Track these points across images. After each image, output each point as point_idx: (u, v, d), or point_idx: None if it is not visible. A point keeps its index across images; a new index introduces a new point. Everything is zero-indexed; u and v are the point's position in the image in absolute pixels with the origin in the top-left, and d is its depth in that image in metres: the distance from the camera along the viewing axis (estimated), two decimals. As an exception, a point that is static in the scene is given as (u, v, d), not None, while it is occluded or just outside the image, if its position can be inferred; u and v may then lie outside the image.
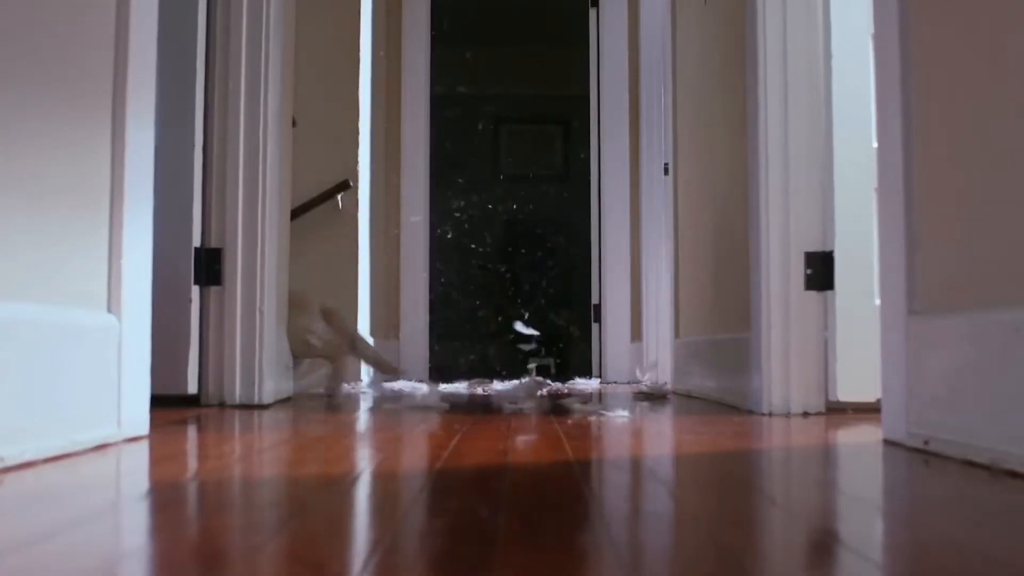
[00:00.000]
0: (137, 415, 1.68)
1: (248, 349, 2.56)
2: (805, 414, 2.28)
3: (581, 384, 4.20)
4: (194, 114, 2.56)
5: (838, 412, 2.28)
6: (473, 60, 7.43)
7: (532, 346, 6.73)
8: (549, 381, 3.85)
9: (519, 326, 4.14)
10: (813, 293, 2.34)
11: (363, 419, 2.24)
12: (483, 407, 2.64)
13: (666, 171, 3.91)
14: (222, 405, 2.53)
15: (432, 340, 5.29)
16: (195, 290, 2.55)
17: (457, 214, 7.40)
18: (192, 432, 1.89)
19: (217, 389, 2.55)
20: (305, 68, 3.43)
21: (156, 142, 1.80)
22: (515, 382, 3.68)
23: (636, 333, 4.84)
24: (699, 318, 3.28)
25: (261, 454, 1.52)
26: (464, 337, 7.13)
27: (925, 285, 1.59)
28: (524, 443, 1.62)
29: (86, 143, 1.58)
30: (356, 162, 4.24)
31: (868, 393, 2.20)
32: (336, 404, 2.72)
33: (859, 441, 1.77)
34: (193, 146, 2.55)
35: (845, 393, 2.29)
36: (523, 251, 7.40)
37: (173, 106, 2.49)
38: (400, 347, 5.08)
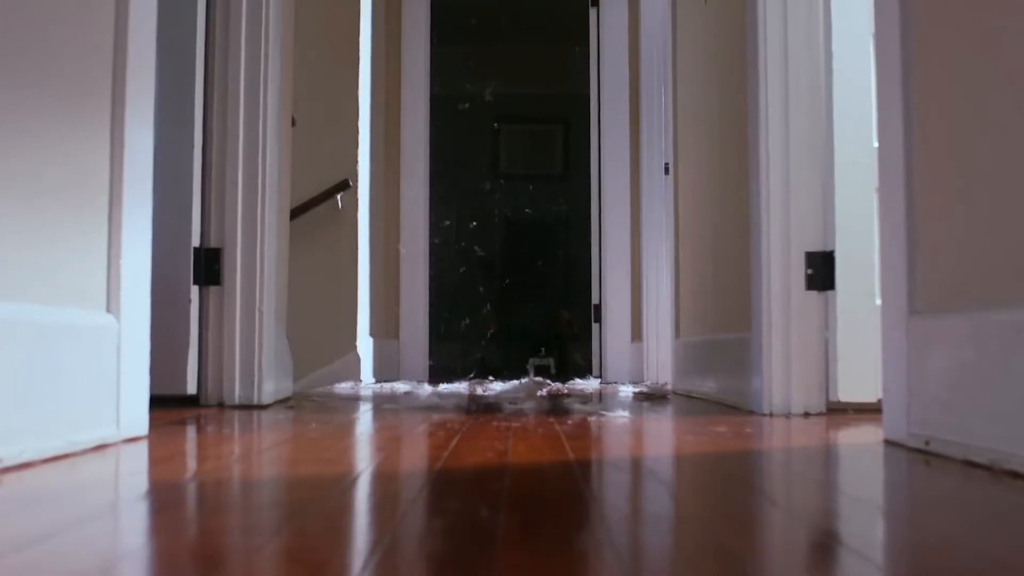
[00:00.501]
0: (136, 415, 1.68)
1: (247, 349, 2.56)
2: (806, 414, 2.28)
3: (581, 384, 4.20)
4: (193, 114, 2.55)
5: (839, 412, 2.28)
6: (473, 59, 7.43)
7: (546, 362, 6.76)
8: (549, 381, 3.85)
9: (534, 361, 4.13)
10: (814, 293, 2.34)
11: (363, 419, 2.24)
12: (483, 407, 2.64)
13: (666, 170, 3.91)
14: (221, 405, 2.53)
15: (432, 340, 5.29)
16: (194, 290, 2.55)
17: (457, 214, 7.40)
18: (191, 432, 1.88)
19: (216, 389, 2.55)
20: (305, 68, 3.42)
21: (155, 142, 1.80)
22: (515, 382, 3.68)
23: (636, 333, 4.84)
24: (700, 318, 3.27)
25: (260, 454, 1.51)
26: (464, 337, 7.13)
27: (926, 285, 1.59)
28: (524, 443, 1.62)
29: (85, 143, 1.57)
30: (356, 162, 4.24)
31: (869, 393, 2.20)
32: (335, 404, 2.71)
33: (860, 441, 1.77)
34: (192, 146, 2.55)
35: (846, 393, 2.28)
36: (523, 251, 7.40)
37: (172, 106, 2.49)
38: (400, 347, 5.08)
